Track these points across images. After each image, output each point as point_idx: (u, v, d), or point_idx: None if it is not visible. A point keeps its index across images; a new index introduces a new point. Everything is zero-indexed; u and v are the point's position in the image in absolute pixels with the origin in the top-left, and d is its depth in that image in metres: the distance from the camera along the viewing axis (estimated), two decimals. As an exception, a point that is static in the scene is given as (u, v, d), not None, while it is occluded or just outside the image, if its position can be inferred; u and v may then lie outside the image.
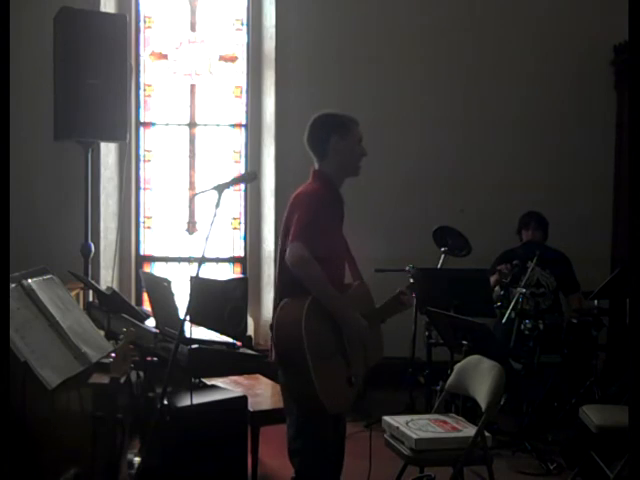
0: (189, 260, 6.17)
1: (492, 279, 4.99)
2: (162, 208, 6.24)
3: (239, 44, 6.23)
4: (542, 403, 4.72)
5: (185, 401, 3.35)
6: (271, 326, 2.81)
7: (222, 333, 3.81)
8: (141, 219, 6.23)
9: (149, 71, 6.19)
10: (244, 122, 6.22)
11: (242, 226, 6.25)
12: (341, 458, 3.02)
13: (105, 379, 3.18)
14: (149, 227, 6.25)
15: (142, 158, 6.21)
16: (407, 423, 3.34)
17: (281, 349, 2.74)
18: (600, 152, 5.96)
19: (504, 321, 4.73)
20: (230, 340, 3.73)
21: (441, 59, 5.95)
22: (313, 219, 2.76)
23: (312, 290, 2.69)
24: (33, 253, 5.14)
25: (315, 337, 2.63)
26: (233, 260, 6.25)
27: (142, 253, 6.23)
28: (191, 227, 6.23)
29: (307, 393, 2.64)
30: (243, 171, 6.12)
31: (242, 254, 6.24)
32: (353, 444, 3.11)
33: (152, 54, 6.18)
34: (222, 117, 6.24)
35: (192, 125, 6.24)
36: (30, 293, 3.10)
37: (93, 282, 4.88)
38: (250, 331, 5.11)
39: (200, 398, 3.44)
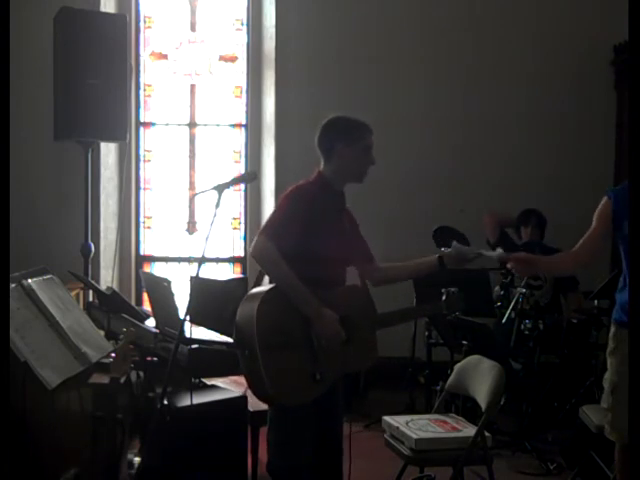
0: (189, 260, 6.17)
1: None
2: (162, 208, 6.24)
3: (239, 44, 6.23)
4: (542, 403, 4.72)
5: (185, 401, 3.35)
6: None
7: (222, 333, 3.80)
8: (141, 219, 6.23)
9: (149, 71, 6.20)
10: (244, 122, 6.23)
11: (242, 226, 6.25)
12: (336, 459, 2.99)
13: (105, 379, 3.19)
14: (149, 227, 6.25)
15: (142, 158, 6.21)
16: (407, 423, 3.34)
17: (237, 333, 2.75)
18: (600, 152, 5.96)
19: (504, 321, 4.73)
20: (230, 340, 3.72)
21: (441, 59, 5.95)
22: (289, 215, 2.76)
23: (276, 283, 2.72)
24: (33, 253, 5.13)
25: (269, 325, 2.63)
26: (233, 260, 6.25)
27: (142, 253, 6.23)
28: (191, 227, 6.23)
29: (256, 379, 2.65)
30: (243, 171, 6.13)
31: (242, 254, 6.24)
32: (352, 444, 3.10)
33: (152, 54, 6.18)
34: (222, 117, 6.25)
35: (192, 125, 6.25)
36: (30, 293, 3.10)
37: (93, 282, 4.88)
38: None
39: (200, 398, 3.44)
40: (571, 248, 5.21)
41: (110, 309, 3.97)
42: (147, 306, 4.60)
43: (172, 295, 3.51)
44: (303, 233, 2.74)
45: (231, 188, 2.75)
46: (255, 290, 2.81)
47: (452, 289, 3.14)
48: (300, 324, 2.71)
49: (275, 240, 2.70)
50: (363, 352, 2.89)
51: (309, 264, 2.73)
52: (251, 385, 2.75)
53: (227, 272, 6.21)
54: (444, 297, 3.12)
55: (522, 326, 4.71)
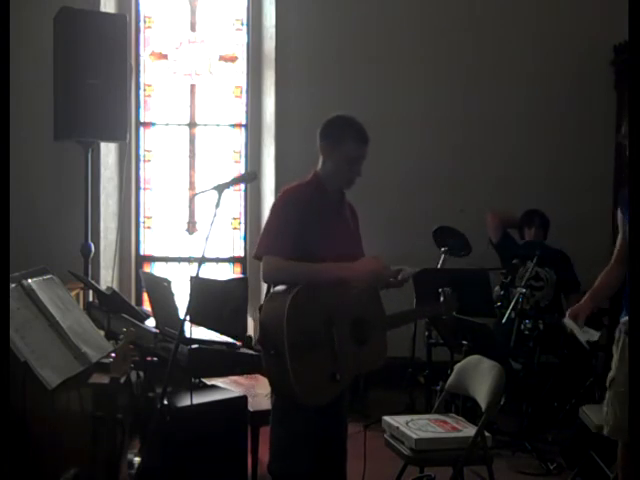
0: (189, 260, 6.17)
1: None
2: (162, 208, 6.24)
3: (239, 44, 6.23)
4: (542, 403, 4.72)
5: (185, 401, 3.35)
6: (259, 308, 2.81)
7: (222, 333, 3.81)
8: (141, 219, 6.23)
9: (149, 71, 6.20)
10: (244, 122, 6.23)
11: (242, 226, 6.25)
12: (340, 461, 2.99)
13: (105, 379, 3.19)
14: (149, 227, 6.25)
15: (142, 158, 6.21)
16: (407, 423, 3.35)
17: (263, 333, 2.74)
18: (600, 152, 5.96)
19: (504, 321, 4.73)
20: (230, 340, 3.73)
21: (441, 59, 5.95)
22: (282, 220, 2.75)
23: (304, 283, 2.67)
24: (33, 253, 5.14)
25: (297, 326, 2.61)
26: (233, 260, 6.25)
27: (142, 253, 6.23)
28: (191, 227, 6.23)
29: (282, 378, 2.64)
30: (243, 171, 6.13)
31: (242, 254, 6.24)
32: (352, 444, 3.10)
33: (152, 54, 6.18)
34: (222, 117, 6.25)
35: (192, 125, 6.25)
36: (30, 293, 3.10)
37: (93, 282, 4.88)
38: (250, 331, 5.10)
39: (200, 398, 3.44)
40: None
41: (110, 309, 3.97)
42: (147, 306, 4.61)
43: (172, 295, 3.51)
44: (301, 234, 2.72)
45: (231, 188, 2.74)
46: (280, 288, 2.74)
47: (447, 289, 3.14)
48: (324, 324, 2.70)
49: (276, 252, 2.69)
50: (375, 352, 2.88)
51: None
52: (273, 384, 2.76)
53: (227, 272, 6.21)
54: (442, 298, 3.11)
55: (522, 326, 4.71)
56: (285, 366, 2.60)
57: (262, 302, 2.86)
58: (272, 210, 2.84)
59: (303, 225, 2.73)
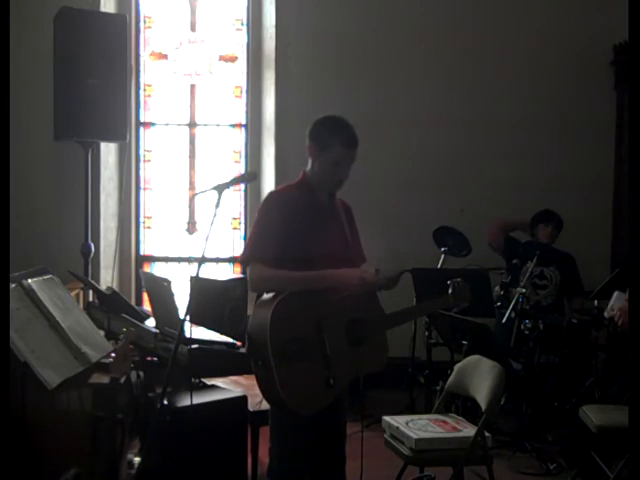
0: (189, 260, 6.17)
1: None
2: (162, 208, 6.24)
3: (239, 44, 6.23)
4: (542, 403, 4.72)
5: (185, 401, 3.34)
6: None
7: (222, 333, 3.81)
8: (141, 219, 6.23)
9: (149, 71, 6.19)
10: (244, 122, 6.22)
11: (242, 226, 6.25)
12: (340, 462, 2.98)
13: (105, 379, 3.19)
14: (149, 227, 6.25)
15: (142, 158, 6.21)
16: (407, 423, 3.35)
17: (249, 343, 2.73)
18: (600, 152, 5.96)
19: (504, 321, 4.73)
20: (230, 340, 3.73)
21: (441, 59, 5.95)
22: (264, 225, 2.73)
23: (284, 290, 2.64)
24: (33, 253, 5.14)
25: (282, 335, 2.58)
26: (233, 260, 6.25)
27: (142, 253, 6.23)
28: (191, 227, 6.23)
29: (271, 389, 2.63)
30: (243, 171, 6.13)
31: (242, 254, 6.24)
32: (352, 444, 3.10)
33: (152, 54, 6.18)
34: (222, 117, 6.24)
35: (192, 125, 6.24)
36: (30, 293, 3.10)
37: (93, 282, 4.88)
38: (250, 331, 5.11)
39: (200, 398, 3.44)
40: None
41: (110, 309, 3.97)
42: (147, 306, 4.61)
43: (172, 295, 3.51)
44: (288, 236, 2.70)
45: (231, 188, 2.73)
46: (267, 296, 2.72)
47: (457, 279, 3.04)
48: (313, 328, 2.67)
49: (261, 259, 2.68)
50: (376, 353, 2.85)
51: (305, 267, 2.69)
52: (264, 393, 2.73)
53: (227, 272, 6.21)
54: (450, 290, 3.03)
55: (522, 326, 4.71)
56: (272, 377, 2.57)
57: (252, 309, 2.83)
58: (258, 213, 2.81)
59: (289, 227, 2.71)
